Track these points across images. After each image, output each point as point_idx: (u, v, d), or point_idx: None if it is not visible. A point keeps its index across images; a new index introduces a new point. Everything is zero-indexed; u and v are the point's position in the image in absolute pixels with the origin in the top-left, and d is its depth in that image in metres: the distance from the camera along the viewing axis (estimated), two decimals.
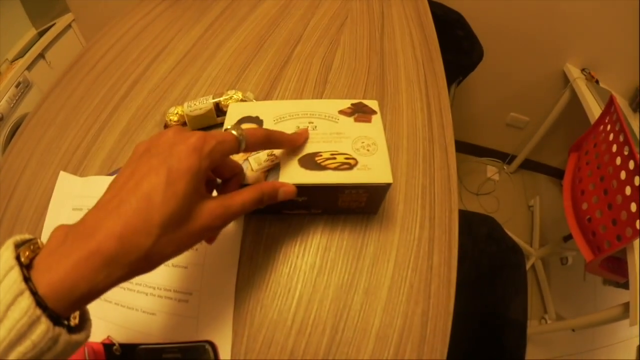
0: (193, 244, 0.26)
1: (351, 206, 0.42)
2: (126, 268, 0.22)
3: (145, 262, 0.23)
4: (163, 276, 0.43)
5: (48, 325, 0.20)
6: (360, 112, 0.42)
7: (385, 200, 0.46)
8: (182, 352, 0.38)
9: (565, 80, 1.45)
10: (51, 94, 0.74)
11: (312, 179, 0.36)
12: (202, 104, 0.55)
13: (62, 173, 0.57)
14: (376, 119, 0.42)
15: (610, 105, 1.07)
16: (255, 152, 0.38)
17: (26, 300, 0.19)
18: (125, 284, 0.41)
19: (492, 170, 1.98)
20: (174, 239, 0.24)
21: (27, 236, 0.23)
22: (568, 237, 1.38)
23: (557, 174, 1.90)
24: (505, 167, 1.99)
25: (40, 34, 1.61)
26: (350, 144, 0.39)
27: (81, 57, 0.83)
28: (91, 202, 0.52)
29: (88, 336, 0.24)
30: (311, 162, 0.37)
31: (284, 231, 0.44)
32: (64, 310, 0.21)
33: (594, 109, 1.25)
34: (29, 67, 1.52)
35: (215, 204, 0.27)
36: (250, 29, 0.82)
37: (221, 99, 0.56)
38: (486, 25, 1.36)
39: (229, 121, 0.42)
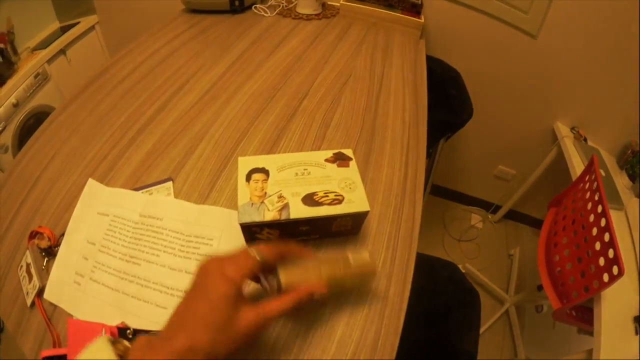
0: (239, 346, 0.37)
1: (341, 229, 0.59)
2: None
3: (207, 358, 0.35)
4: (178, 280, 0.56)
5: None
6: (340, 159, 0.59)
7: (362, 227, 0.61)
8: None
9: (554, 138, 1.59)
10: (76, 100, 0.85)
11: (314, 213, 0.52)
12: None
13: (90, 180, 0.68)
14: (352, 163, 0.59)
15: (590, 165, 1.18)
16: (269, 195, 0.53)
17: None
18: (142, 282, 0.55)
19: (476, 218, 2.11)
20: (222, 340, 0.36)
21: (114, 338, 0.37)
22: (542, 287, 1.46)
23: (539, 225, 1.98)
24: (489, 216, 2.11)
25: (63, 30, 1.72)
26: (336, 184, 0.56)
27: (107, 70, 0.96)
28: (116, 210, 0.65)
29: None
30: (311, 200, 0.53)
31: None
32: None
33: (578, 167, 1.37)
34: (50, 61, 1.62)
35: (252, 313, 0.38)
36: (265, 77, 0.96)
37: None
38: (481, 82, 1.51)
39: (242, 172, 0.56)
